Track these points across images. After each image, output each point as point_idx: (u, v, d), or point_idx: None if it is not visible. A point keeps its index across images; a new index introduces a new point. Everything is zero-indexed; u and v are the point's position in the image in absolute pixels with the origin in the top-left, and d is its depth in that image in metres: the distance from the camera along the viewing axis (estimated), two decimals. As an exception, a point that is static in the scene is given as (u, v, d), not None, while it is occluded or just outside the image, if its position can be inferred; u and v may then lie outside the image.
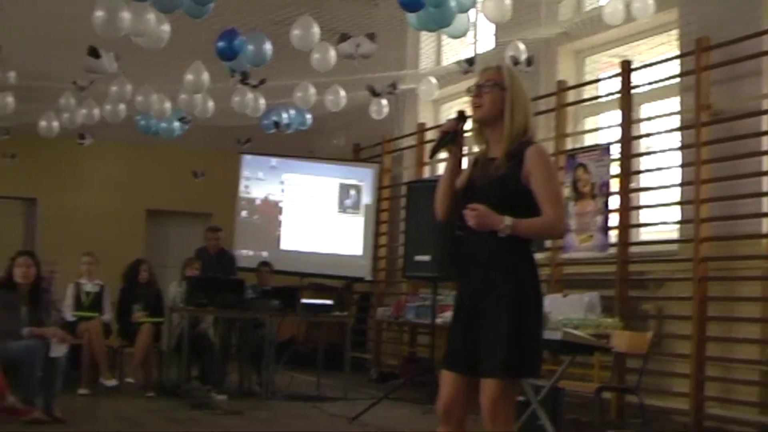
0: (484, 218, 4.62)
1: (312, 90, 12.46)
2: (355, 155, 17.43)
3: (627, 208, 11.04)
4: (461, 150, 4.93)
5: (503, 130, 4.80)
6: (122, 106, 13.22)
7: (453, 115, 5.06)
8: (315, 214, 16.14)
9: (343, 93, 12.60)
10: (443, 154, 4.97)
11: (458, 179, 4.91)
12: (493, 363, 4.62)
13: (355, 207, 16.02)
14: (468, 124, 4.96)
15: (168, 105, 13.03)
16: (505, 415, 4.67)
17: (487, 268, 4.74)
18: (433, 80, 13.07)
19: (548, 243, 11.29)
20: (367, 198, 16.02)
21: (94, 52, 10.63)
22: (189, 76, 11.37)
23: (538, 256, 11.05)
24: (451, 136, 4.87)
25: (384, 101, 13.19)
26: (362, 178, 16.14)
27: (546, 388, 8.63)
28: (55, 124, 14.06)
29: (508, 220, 4.59)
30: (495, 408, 4.62)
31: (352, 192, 16.06)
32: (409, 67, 15.44)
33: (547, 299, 10.07)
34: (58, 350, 9.32)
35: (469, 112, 4.97)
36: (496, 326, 4.65)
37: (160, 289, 12.46)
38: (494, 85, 4.81)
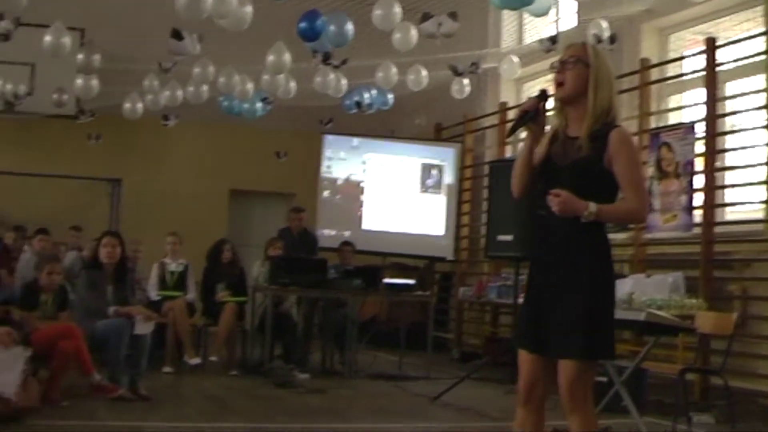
0: (567, 204, 4.56)
1: (394, 70, 12.44)
2: (437, 135, 17.38)
3: (712, 188, 10.87)
4: (541, 129, 4.87)
5: (586, 108, 4.72)
6: (205, 88, 13.34)
7: (534, 93, 4.99)
8: (397, 194, 16.12)
9: (424, 72, 12.58)
10: (523, 133, 4.92)
11: (536, 155, 4.87)
12: (569, 344, 4.58)
13: (437, 187, 15.98)
14: (549, 103, 4.90)
15: (250, 86, 13.12)
16: (583, 395, 4.62)
17: (563, 248, 4.69)
18: (515, 59, 12.99)
19: (631, 223, 11.15)
20: (448, 178, 15.97)
21: (177, 34, 10.73)
22: (271, 57, 11.42)
23: (621, 236, 11.15)
24: (531, 115, 4.81)
25: (466, 80, 13.12)
26: (444, 157, 16.09)
27: (629, 369, 8.58)
28: (139, 105, 14.22)
29: (592, 207, 4.54)
30: (572, 389, 4.58)
31: (434, 172, 16.01)
32: (491, 46, 15.32)
33: (630, 279, 10.14)
34: (144, 329, 9.47)
35: (551, 90, 4.91)
36: (571, 307, 4.60)
37: (243, 268, 12.54)
38: (578, 61, 4.73)
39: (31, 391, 7.90)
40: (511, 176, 4.92)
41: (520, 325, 4.91)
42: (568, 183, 4.62)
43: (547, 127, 4.91)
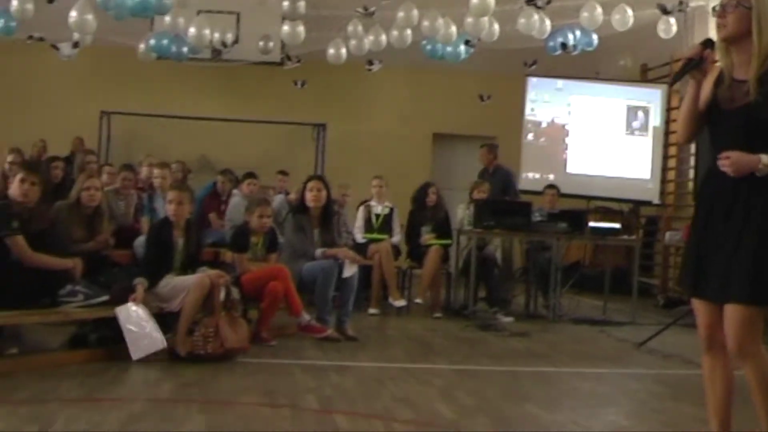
0: (739, 164, 4.45)
1: (599, 9, 12.23)
2: (643, 76, 17.04)
3: None
4: (705, 76, 4.73)
5: (751, 50, 4.58)
6: (408, 32, 13.39)
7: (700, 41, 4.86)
8: (601, 137, 15.90)
9: (630, 12, 12.33)
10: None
11: (701, 98, 4.74)
12: (737, 288, 4.49)
13: (643, 129, 15.68)
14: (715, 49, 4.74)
15: (454, 29, 13.11)
16: (752, 341, 4.53)
17: (733, 193, 4.60)
18: (725, -4, 12.58)
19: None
20: (655, 119, 15.65)
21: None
22: (475, 0, 11.36)
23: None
24: (695, 63, 4.68)
25: (672, 19, 12.81)
26: (650, 99, 15.76)
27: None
28: (343, 51, 14.38)
29: (765, 159, 4.42)
30: (740, 334, 4.50)
31: (640, 114, 15.72)
32: (700, -16, 14.92)
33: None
34: (350, 271, 9.63)
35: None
36: (740, 252, 4.52)
37: (447, 211, 12.55)
38: (738, 4, 4.58)
39: (241, 332, 8.13)
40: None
41: (687, 271, 4.84)
42: (733, 126, 4.54)
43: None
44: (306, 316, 9.22)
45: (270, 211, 9.69)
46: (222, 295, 8.13)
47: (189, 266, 8.43)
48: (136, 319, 7.80)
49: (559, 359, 9.17)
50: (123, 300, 7.91)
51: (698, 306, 4.72)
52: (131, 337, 7.74)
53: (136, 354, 7.71)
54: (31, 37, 14.82)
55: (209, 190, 13.25)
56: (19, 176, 7.91)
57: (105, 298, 7.88)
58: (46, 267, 7.71)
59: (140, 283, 8.02)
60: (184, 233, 8.48)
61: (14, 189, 7.86)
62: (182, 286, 8.12)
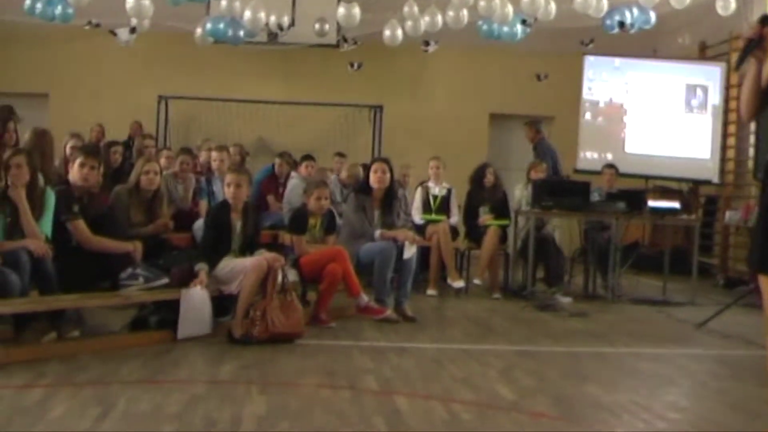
0: None
1: (656, -13, 12.14)
2: (701, 54, 16.86)
3: None
4: (766, 54, 4.64)
5: None
6: (465, 12, 13.34)
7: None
8: (660, 116, 15.80)
9: (688, -11, 12.22)
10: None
11: (763, 78, 4.67)
12: None
13: (702, 107, 15.56)
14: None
15: (510, 8, 13.06)
16: None
17: None
18: (786, -29, 12.45)
19: None
20: (714, 98, 15.52)
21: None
22: (531, -21, 11.32)
23: None
24: (755, 42, 4.60)
25: (732, -5, 12.69)
26: (709, 77, 15.65)
27: None
28: (399, 32, 14.38)
29: None
30: None
31: (699, 92, 15.59)
32: (760, -41, 14.73)
33: None
34: (409, 252, 9.65)
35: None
36: None
37: (505, 191, 12.51)
38: None
39: (294, 317, 8.11)
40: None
41: (754, 247, 4.78)
42: None
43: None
44: (365, 298, 9.23)
45: (328, 192, 9.68)
46: (279, 278, 8.15)
47: (247, 249, 8.49)
48: (197, 303, 7.90)
49: (619, 339, 9.14)
50: (183, 283, 8.01)
51: (764, 282, 4.63)
52: (185, 317, 7.86)
53: (182, 334, 7.84)
54: (89, 24, 14.96)
55: (267, 172, 13.29)
56: (78, 161, 8.00)
57: (165, 281, 7.95)
58: (106, 251, 7.81)
59: (202, 269, 8.10)
60: (242, 216, 8.53)
61: (74, 173, 7.96)
62: (241, 269, 8.17)
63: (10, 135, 8.69)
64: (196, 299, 7.91)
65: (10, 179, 7.39)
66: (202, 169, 11.52)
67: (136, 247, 7.95)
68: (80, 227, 7.71)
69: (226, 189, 8.68)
